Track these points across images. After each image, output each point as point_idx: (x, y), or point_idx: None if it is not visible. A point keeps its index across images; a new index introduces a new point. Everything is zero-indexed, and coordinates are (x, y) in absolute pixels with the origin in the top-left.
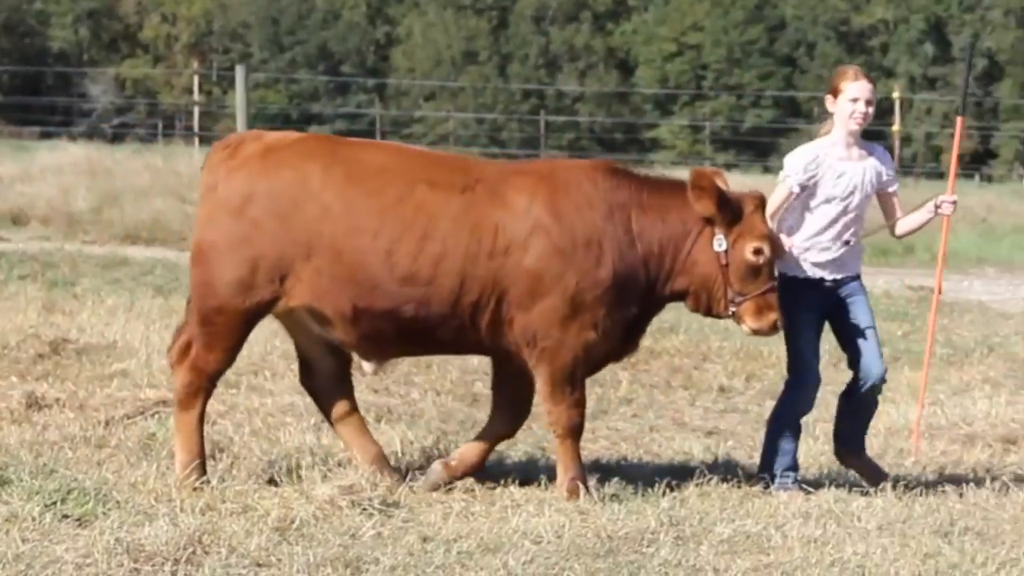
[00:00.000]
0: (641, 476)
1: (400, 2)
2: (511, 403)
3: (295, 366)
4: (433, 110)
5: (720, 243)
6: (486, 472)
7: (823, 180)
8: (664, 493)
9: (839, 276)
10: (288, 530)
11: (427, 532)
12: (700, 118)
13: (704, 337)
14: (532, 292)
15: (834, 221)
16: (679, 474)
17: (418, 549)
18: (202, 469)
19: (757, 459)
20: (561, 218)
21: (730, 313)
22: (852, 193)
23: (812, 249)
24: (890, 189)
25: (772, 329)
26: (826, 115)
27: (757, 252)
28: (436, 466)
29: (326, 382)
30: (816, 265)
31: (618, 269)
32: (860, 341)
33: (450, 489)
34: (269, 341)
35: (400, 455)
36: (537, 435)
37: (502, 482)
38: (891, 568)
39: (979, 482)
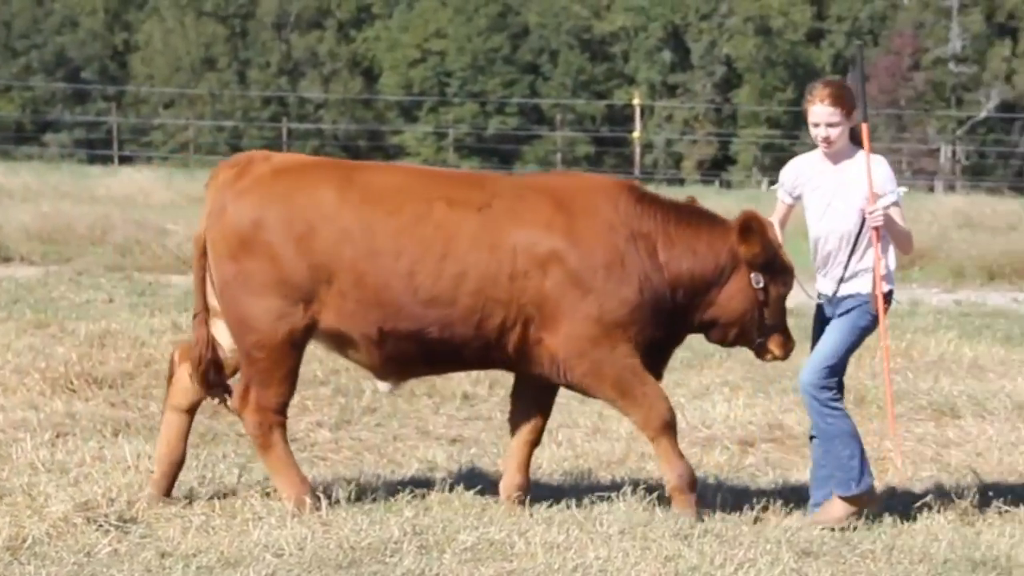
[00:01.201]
0: (384, 486)
1: (139, 8)
2: (533, 409)
3: (28, 380)
4: (172, 117)
5: (759, 281)
6: (227, 487)
7: (803, 193)
8: (407, 502)
9: (840, 293)
10: (20, 549)
11: (165, 548)
12: (444, 124)
13: None
14: (555, 316)
15: (818, 237)
16: (423, 483)
17: (156, 565)
18: (313, 494)
19: (501, 466)
20: (580, 242)
21: (756, 345)
22: (826, 208)
23: (817, 263)
24: (879, 205)
25: (789, 354)
26: None
27: (786, 285)
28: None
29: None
30: (821, 279)
31: (644, 288)
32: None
33: (190, 502)
34: (0, 355)
35: (136, 469)
36: None
37: (244, 495)
38: (632, 571)
39: (719, 484)
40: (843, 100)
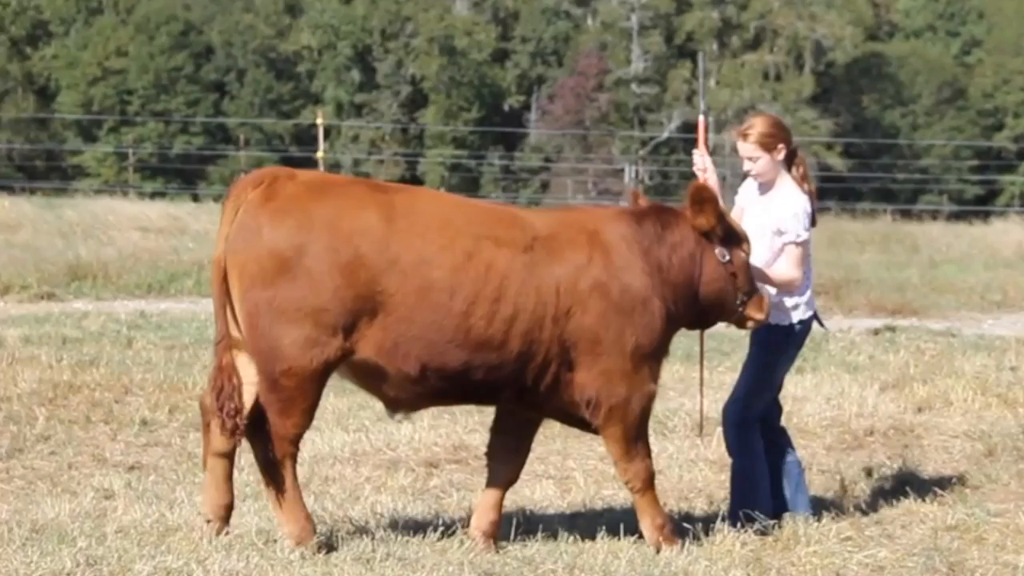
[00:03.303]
0: (58, 516)
1: None
2: (514, 449)
3: None
4: None
5: (724, 255)
6: None
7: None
8: (81, 532)
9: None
10: None
11: None
12: (125, 144)
13: (126, 369)
14: (593, 352)
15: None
16: (98, 511)
17: None
18: (314, 529)
19: (180, 492)
20: (619, 275)
21: (736, 317)
22: (752, 231)
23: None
24: (778, 239)
25: (769, 313)
26: None
27: (747, 251)
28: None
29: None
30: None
31: (669, 315)
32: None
33: None
34: None
35: None
36: None
37: None
38: None
39: (402, 507)
40: (764, 136)
